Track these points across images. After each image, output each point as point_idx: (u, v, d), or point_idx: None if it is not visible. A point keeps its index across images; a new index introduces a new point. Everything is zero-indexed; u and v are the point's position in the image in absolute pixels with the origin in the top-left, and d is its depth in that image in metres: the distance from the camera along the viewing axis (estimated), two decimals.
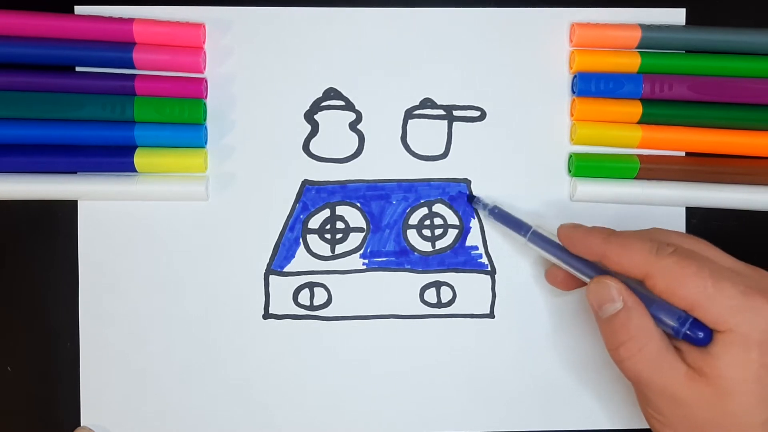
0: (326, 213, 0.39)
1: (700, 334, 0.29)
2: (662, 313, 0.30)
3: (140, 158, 0.37)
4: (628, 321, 0.31)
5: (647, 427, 0.39)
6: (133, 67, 0.38)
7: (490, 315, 0.39)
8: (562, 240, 0.34)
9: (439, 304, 0.39)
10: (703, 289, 0.29)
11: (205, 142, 0.39)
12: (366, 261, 0.39)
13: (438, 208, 0.39)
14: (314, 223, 0.39)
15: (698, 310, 0.29)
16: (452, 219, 0.39)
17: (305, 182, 0.39)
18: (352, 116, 0.39)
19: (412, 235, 0.39)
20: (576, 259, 0.34)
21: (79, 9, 0.38)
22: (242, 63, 0.39)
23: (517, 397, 0.39)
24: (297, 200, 0.39)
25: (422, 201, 0.39)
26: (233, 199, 0.39)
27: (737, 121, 0.39)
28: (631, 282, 0.32)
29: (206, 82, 0.38)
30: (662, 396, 0.30)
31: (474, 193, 0.39)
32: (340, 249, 0.39)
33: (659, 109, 0.38)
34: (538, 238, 0.36)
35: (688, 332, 0.30)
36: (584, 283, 0.34)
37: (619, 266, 0.31)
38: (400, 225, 0.39)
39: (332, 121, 0.39)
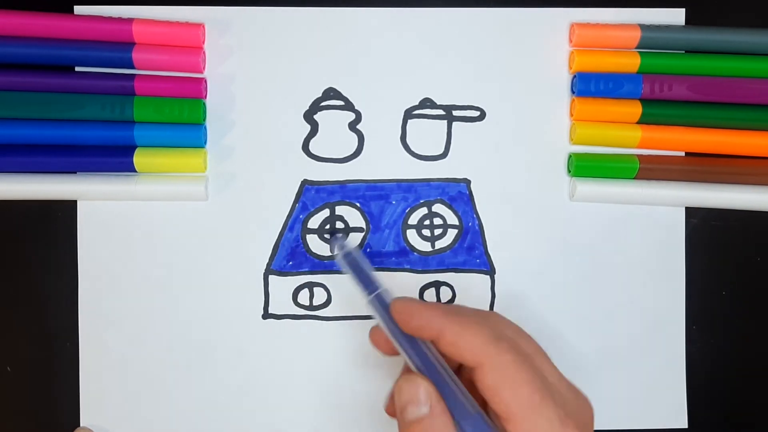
0: (326, 213, 0.39)
1: None
2: (473, 429, 0.28)
3: (140, 158, 0.37)
4: (429, 431, 0.28)
5: (648, 427, 0.39)
6: (132, 67, 0.38)
7: None
8: (396, 315, 0.30)
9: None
10: (529, 403, 0.27)
11: (205, 142, 0.39)
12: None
13: (437, 208, 0.39)
14: (314, 223, 0.39)
15: (514, 421, 0.27)
16: (452, 219, 0.39)
17: (305, 182, 0.39)
18: (352, 116, 0.39)
19: (412, 235, 0.39)
20: (405, 338, 0.31)
21: (78, 9, 0.38)
22: (242, 63, 0.39)
23: None
24: (296, 200, 0.39)
25: (422, 201, 0.39)
26: (233, 199, 0.39)
27: (737, 121, 0.39)
28: (450, 381, 0.29)
29: (206, 82, 0.38)
30: None
31: (337, 235, 0.38)
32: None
33: (659, 109, 0.38)
34: (380, 303, 0.32)
35: None
36: None
37: (453, 347, 0.28)
38: (400, 225, 0.39)
39: (332, 121, 0.39)
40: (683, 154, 0.40)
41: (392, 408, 0.31)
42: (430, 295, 0.39)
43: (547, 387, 0.28)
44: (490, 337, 0.28)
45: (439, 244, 0.39)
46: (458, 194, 0.39)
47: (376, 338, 0.33)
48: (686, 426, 0.39)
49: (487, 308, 0.39)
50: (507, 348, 0.28)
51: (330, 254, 0.39)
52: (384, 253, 0.39)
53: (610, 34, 0.38)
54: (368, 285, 0.33)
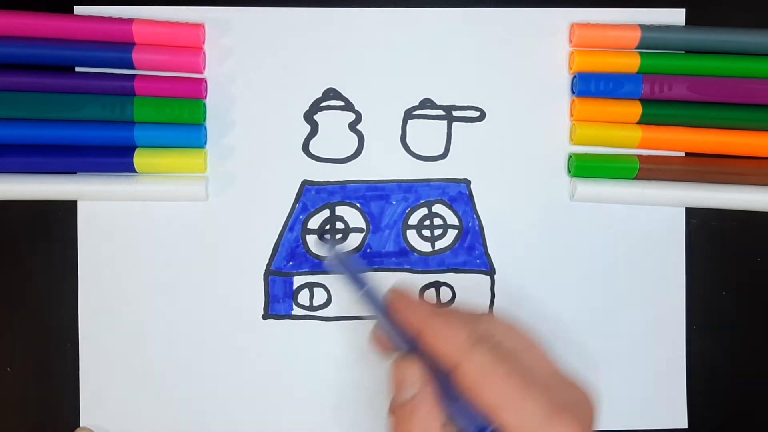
0: (326, 213, 0.39)
1: None
2: (462, 416, 0.28)
3: (140, 158, 0.37)
4: (413, 414, 0.28)
5: (648, 427, 0.39)
6: (132, 67, 0.38)
7: None
8: (389, 304, 0.31)
9: (438, 304, 0.39)
10: (508, 398, 0.27)
11: (205, 143, 0.39)
12: (366, 261, 0.39)
13: (438, 208, 0.39)
14: (314, 223, 0.39)
15: (499, 417, 0.27)
16: (452, 219, 0.39)
17: (305, 182, 0.39)
18: (352, 116, 0.39)
19: (412, 236, 0.39)
20: (396, 329, 0.31)
21: (78, 9, 0.38)
22: (242, 63, 0.39)
23: None
24: (297, 200, 0.39)
25: (422, 201, 0.39)
26: (233, 199, 0.39)
27: (737, 122, 0.39)
28: (440, 369, 0.29)
29: (206, 82, 0.38)
30: None
31: (326, 237, 0.38)
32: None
33: (659, 110, 0.38)
34: (371, 297, 0.32)
35: None
36: None
37: (433, 348, 0.29)
38: (400, 225, 0.39)
39: (332, 121, 0.39)
40: (683, 154, 0.40)
41: (377, 338, 0.32)
42: (430, 295, 0.39)
43: (530, 381, 0.28)
44: (467, 338, 0.28)
45: (439, 244, 0.39)
46: (458, 194, 0.39)
47: (377, 339, 0.33)
48: (686, 426, 0.39)
49: (487, 308, 0.39)
50: (484, 350, 0.28)
51: (325, 255, 0.39)
52: (384, 253, 0.39)
53: (610, 34, 0.38)
54: (358, 282, 0.33)
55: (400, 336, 0.30)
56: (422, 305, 0.30)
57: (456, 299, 0.39)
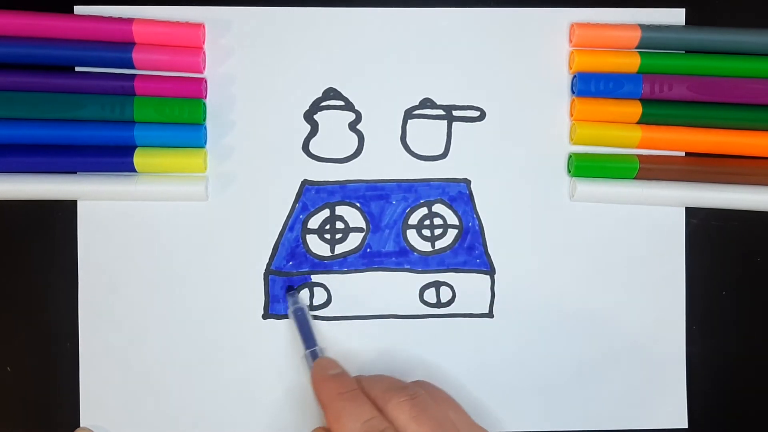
0: (326, 213, 0.39)
1: None
2: None
3: (140, 158, 0.37)
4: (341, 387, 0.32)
5: (648, 427, 0.39)
6: (132, 67, 0.38)
7: (490, 315, 0.39)
8: (316, 365, 0.35)
9: (438, 304, 0.39)
10: None
11: (205, 142, 0.39)
12: (365, 261, 0.39)
13: (438, 208, 0.39)
14: (314, 223, 0.39)
15: None
16: (452, 219, 0.39)
17: (305, 182, 0.39)
18: (352, 116, 0.39)
19: (412, 235, 0.39)
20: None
21: (78, 9, 0.38)
22: (242, 63, 0.39)
23: (516, 397, 0.39)
24: (297, 200, 0.39)
25: (422, 201, 0.39)
26: (233, 199, 0.39)
27: (737, 121, 0.39)
28: None
29: (206, 82, 0.38)
30: None
31: (292, 291, 0.39)
32: (339, 249, 0.39)
33: (659, 110, 0.38)
34: (308, 361, 0.36)
35: None
36: None
37: (330, 428, 0.31)
38: (400, 225, 0.39)
39: (332, 121, 0.39)
40: (683, 154, 0.40)
41: None
42: (430, 294, 0.39)
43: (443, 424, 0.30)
44: (363, 425, 0.30)
45: (439, 244, 0.39)
46: (458, 194, 0.39)
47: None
48: (686, 426, 0.39)
49: (487, 308, 0.39)
50: (406, 392, 0.31)
51: (330, 255, 0.39)
52: (384, 253, 0.39)
53: (610, 34, 0.38)
54: (307, 342, 0.37)
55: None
56: (333, 383, 0.33)
57: (456, 299, 0.39)
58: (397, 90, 0.39)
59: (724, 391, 0.40)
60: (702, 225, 0.40)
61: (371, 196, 0.39)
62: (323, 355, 0.36)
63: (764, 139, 0.39)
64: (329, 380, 0.33)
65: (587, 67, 0.39)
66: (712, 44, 0.39)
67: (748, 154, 0.39)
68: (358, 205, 0.39)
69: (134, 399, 0.38)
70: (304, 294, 0.39)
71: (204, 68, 0.39)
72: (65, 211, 0.39)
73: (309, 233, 0.39)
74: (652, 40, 0.38)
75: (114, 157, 0.37)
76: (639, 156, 0.39)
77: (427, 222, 0.39)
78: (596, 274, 0.39)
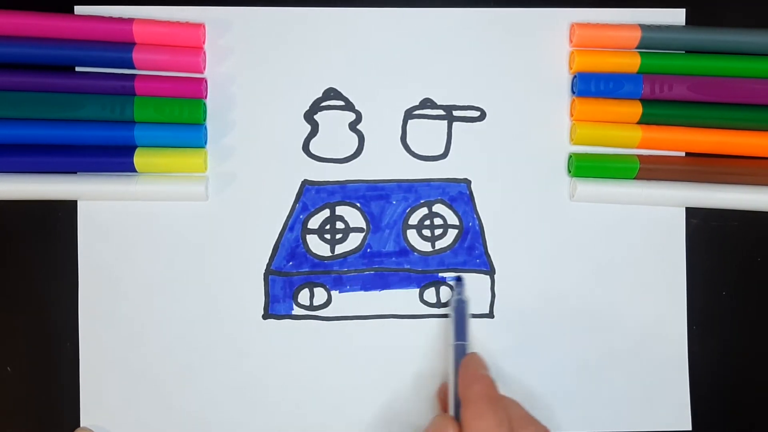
0: (326, 213, 0.39)
1: None
2: None
3: (140, 158, 0.37)
4: None
5: (651, 429, 0.39)
6: (132, 67, 0.38)
7: (490, 315, 0.39)
8: (460, 367, 0.34)
9: (438, 304, 0.39)
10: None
11: (205, 142, 0.39)
12: (366, 261, 0.39)
13: (438, 208, 0.39)
14: (314, 223, 0.39)
15: None
16: (452, 219, 0.39)
17: (305, 182, 0.39)
18: (352, 116, 0.39)
19: (412, 235, 0.39)
20: (454, 391, 0.34)
21: (78, 9, 0.38)
22: (242, 63, 0.39)
23: (515, 397, 0.39)
24: (297, 200, 0.39)
25: (422, 201, 0.39)
26: (233, 199, 0.39)
27: (737, 122, 0.39)
28: None
29: (206, 82, 0.38)
30: None
31: (459, 281, 0.39)
32: (339, 249, 0.39)
33: (659, 110, 0.38)
34: (458, 353, 0.35)
35: None
36: None
37: (464, 424, 0.31)
38: (400, 225, 0.39)
39: (332, 121, 0.39)
40: (683, 154, 0.40)
41: (442, 391, 0.37)
42: (430, 294, 0.39)
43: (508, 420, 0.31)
44: (527, 414, 0.33)
45: (440, 244, 0.39)
46: (458, 194, 0.39)
47: (440, 393, 0.38)
48: (690, 428, 0.39)
49: (487, 308, 0.39)
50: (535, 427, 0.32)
51: (330, 255, 0.39)
52: (384, 253, 0.39)
53: (610, 34, 0.38)
54: (460, 336, 0.36)
55: (453, 398, 0.33)
56: (482, 383, 0.33)
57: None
58: (397, 90, 0.39)
59: (727, 392, 0.40)
60: (702, 225, 0.40)
61: (371, 196, 0.39)
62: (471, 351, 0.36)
63: (764, 139, 0.39)
64: (480, 379, 0.33)
65: (587, 67, 0.39)
66: (713, 44, 0.39)
67: (748, 154, 0.39)
68: (358, 205, 0.39)
69: (134, 399, 0.38)
70: (304, 294, 0.39)
71: (204, 68, 0.39)
72: (65, 211, 0.39)
73: (309, 233, 0.39)
74: (652, 40, 0.38)
75: (114, 157, 0.37)
76: (639, 156, 0.39)
77: (427, 222, 0.39)
78: (596, 274, 0.39)
